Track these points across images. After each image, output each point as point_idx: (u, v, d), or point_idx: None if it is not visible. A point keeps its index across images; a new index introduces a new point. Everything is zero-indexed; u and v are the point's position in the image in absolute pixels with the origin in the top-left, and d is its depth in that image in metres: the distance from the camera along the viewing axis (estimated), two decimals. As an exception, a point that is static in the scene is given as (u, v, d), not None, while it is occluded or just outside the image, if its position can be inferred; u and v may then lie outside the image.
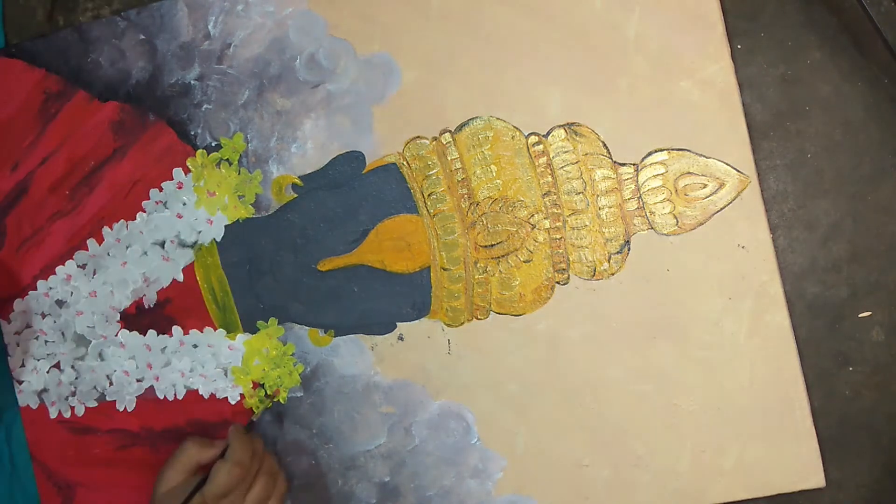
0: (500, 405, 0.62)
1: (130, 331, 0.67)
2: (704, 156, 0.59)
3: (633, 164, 0.60)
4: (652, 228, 0.60)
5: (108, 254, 0.67)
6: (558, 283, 0.61)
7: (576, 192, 0.61)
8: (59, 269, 0.68)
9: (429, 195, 0.63)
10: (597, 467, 0.61)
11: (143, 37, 0.67)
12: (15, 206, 0.69)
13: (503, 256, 0.62)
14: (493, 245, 0.62)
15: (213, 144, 0.66)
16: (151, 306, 0.67)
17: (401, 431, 0.64)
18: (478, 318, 0.63)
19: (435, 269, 0.63)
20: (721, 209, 0.59)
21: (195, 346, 0.66)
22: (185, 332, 0.67)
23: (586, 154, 0.61)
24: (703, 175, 0.59)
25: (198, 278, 0.66)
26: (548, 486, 0.62)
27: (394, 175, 0.63)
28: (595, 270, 0.61)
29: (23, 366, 0.69)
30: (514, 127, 0.62)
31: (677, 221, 0.60)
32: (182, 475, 0.60)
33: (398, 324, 0.64)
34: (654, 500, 0.60)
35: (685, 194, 0.60)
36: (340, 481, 0.65)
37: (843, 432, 0.59)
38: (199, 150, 0.66)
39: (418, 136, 0.63)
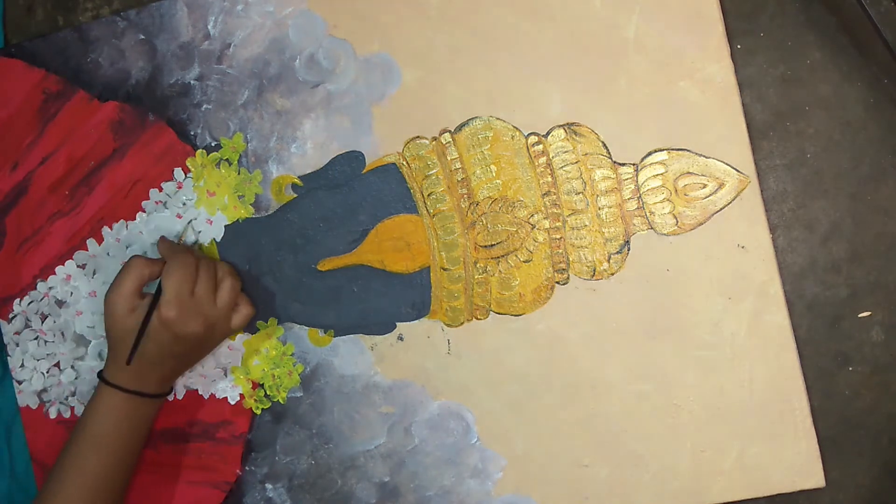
0: (500, 405, 0.62)
1: (130, 331, 0.67)
2: (704, 156, 0.59)
3: (633, 164, 0.60)
4: (652, 228, 0.60)
5: (108, 254, 0.67)
6: (558, 283, 0.61)
7: (575, 192, 0.61)
8: (58, 269, 0.68)
9: (428, 195, 0.63)
10: (597, 467, 0.61)
11: (142, 37, 0.67)
12: (15, 206, 0.69)
13: (503, 256, 0.62)
14: (492, 245, 0.62)
15: (212, 144, 0.66)
16: (151, 306, 0.67)
17: (400, 431, 0.64)
18: (477, 318, 0.63)
19: (434, 269, 0.63)
20: (721, 209, 0.59)
21: (195, 346, 0.66)
22: (185, 332, 0.67)
23: (586, 154, 0.61)
24: (702, 175, 0.59)
25: (198, 278, 0.66)
26: (548, 486, 0.62)
27: (393, 175, 0.63)
28: (595, 270, 0.61)
29: (23, 366, 0.69)
30: (514, 127, 0.62)
31: (677, 221, 0.60)
32: (134, 293, 0.59)
33: (398, 324, 0.64)
34: (654, 500, 0.60)
35: (685, 194, 0.60)
36: (340, 481, 0.65)
37: (843, 432, 0.59)
38: (199, 150, 0.66)
39: (418, 136, 0.63)
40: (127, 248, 0.67)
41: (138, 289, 0.60)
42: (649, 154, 0.60)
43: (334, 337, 0.65)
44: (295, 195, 0.65)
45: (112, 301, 0.59)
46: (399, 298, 0.64)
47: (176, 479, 0.67)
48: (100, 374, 0.61)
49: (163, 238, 0.64)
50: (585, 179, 0.61)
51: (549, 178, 0.61)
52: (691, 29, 0.59)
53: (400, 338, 0.64)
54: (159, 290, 0.59)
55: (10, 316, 0.69)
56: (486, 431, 0.63)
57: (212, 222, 0.66)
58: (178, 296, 0.58)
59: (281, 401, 0.65)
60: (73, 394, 0.68)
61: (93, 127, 0.67)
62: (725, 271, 0.59)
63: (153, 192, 0.67)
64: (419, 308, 0.63)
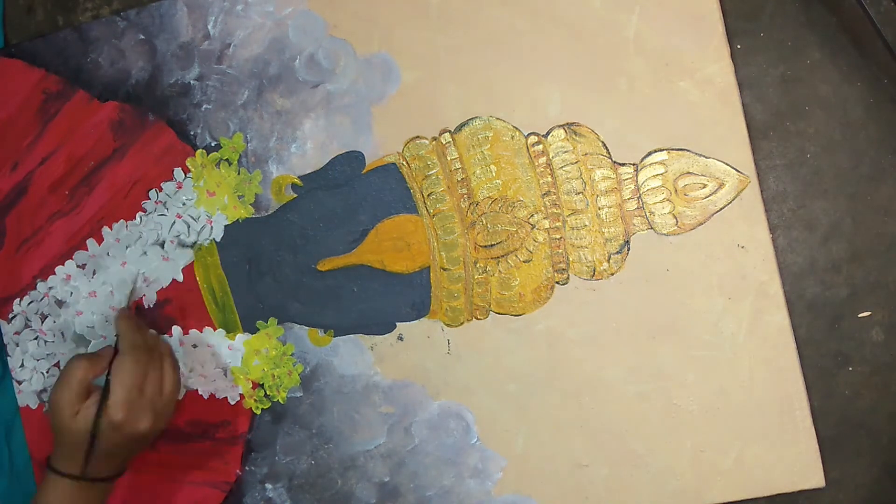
0: (500, 405, 0.62)
1: (130, 331, 0.67)
2: (704, 156, 0.59)
3: (633, 164, 0.60)
4: (651, 228, 0.60)
5: (108, 254, 0.67)
6: (558, 283, 0.61)
7: (575, 192, 0.61)
8: (58, 269, 0.68)
9: (428, 195, 0.63)
10: (597, 467, 0.61)
11: (142, 37, 0.67)
12: (15, 206, 0.69)
13: (503, 256, 0.62)
14: (492, 245, 0.62)
15: (212, 144, 0.66)
16: (151, 306, 0.67)
17: (400, 431, 0.64)
18: (477, 318, 0.63)
19: (434, 269, 0.63)
20: (721, 209, 0.59)
21: (195, 346, 0.66)
22: (185, 333, 0.67)
23: (586, 154, 0.61)
24: (702, 175, 0.59)
25: (197, 278, 0.66)
26: (548, 486, 0.62)
27: (393, 175, 0.63)
28: (595, 270, 0.61)
29: (23, 366, 0.69)
30: (514, 127, 0.62)
31: (677, 221, 0.60)
32: (78, 398, 0.58)
33: (398, 324, 0.64)
34: (654, 500, 0.60)
35: (685, 194, 0.60)
36: (340, 481, 0.65)
37: (843, 432, 0.59)
38: (199, 150, 0.66)
39: (418, 136, 0.63)
40: (127, 248, 0.67)
41: (81, 393, 0.58)
42: (649, 154, 0.60)
43: (334, 337, 0.65)
44: (295, 195, 0.65)
45: (55, 405, 0.58)
46: (399, 298, 0.64)
47: (176, 479, 0.67)
48: (48, 464, 0.59)
49: (122, 314, 0.63)
50: (585, 179, 0.61)
51: (549, 178, 0.61)
52: (691, 29, 0.59)
53: (400, 338, 0.64)
54: (107, 390, 0.58)
55: (10, 316, 0.69)
56: (486, 431, 0.63)
57: (212, 222, 0.66)
58: (128, 397, 0.57)
59: (281, 401, 0.65)
60: (73, 394, 0.68)
61: (93, 127, 0.67)
62: (725, 271, 0.59)
63: (153, 192, 0.67)
64: (419, 308, 0.63)
